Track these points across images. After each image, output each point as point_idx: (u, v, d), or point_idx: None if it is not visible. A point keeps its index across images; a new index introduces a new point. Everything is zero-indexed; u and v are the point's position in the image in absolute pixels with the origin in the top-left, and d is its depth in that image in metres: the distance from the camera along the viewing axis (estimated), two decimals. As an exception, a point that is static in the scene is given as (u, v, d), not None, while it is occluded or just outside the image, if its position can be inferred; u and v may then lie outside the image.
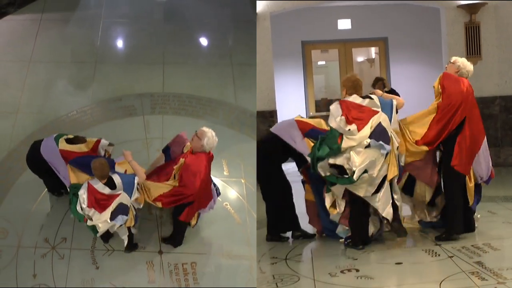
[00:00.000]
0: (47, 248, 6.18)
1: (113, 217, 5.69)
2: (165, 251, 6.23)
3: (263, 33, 10.21)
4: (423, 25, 12.67)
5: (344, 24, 13.03)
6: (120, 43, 9.20)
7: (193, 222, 6.11)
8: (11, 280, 5.87)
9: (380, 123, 5.81)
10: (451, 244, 5.79)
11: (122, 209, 5.74)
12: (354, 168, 5.64)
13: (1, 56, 8.54)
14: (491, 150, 7.17)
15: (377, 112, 5.88)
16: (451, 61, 6.22)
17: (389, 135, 5.82)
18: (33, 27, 9.04)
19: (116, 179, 5.85)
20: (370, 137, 5.72)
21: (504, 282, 4.67)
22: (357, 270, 5.35)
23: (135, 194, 5.84)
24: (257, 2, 10.06)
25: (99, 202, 5.71)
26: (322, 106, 13.70)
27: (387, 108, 5.96)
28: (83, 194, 5.75)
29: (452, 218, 5.96)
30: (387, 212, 5.88)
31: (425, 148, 6.01)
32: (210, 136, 5.81)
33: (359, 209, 5.93)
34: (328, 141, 5.87)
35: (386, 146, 5.70)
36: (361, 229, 5.98)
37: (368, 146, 5.69)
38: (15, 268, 5.98)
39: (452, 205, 5.97)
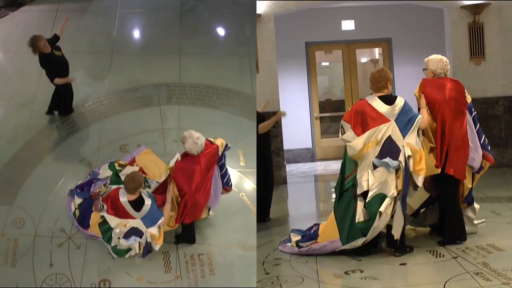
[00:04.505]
0: (64, 238, 6.22)
1: (127, 236, 5.75)
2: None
3: (267, 34, 10.19)
4: (427, 25, 12.67)
5: (348, 25, 13.03)
6: (136, 34, 9.22)
7: (203, 215, 6.23)
8: (28, 269, 5.92)
9: (390, 136, 5.59)
10: (456, 244, 5.83)
11: (135, 232, 5.78)
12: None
13: (18, 47, 8.51)
14: (495, 151, 7.24)
15: (388, 121, 5.67)
16: (423, 67, 6.12)
17: (400, 148, 5.55)
18: (50, 18, 9.06)
19: (147, 204, 5.87)
20: (377, 155, 5.54)
21: (508, 283, 4.70)
22: (362, 271, 5.40)
23: (153, 230, 5.81)
24: (261, 2, 10.03)
25: (117, 210, 5.83)
26: (326, 107, 13.77)
27: (408, 120, 5.67)
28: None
29: (455, 227, 5.93)
30: (398, 234, 5.67)
31: (438, 170, 5.83)
32: (190, 142, 5.84)
33: None
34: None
35: (392, 162, 5.48)
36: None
37: (375, 167, 5.52)
38: (32, 257, 6.02)
39: (456, 215, 5.93)
